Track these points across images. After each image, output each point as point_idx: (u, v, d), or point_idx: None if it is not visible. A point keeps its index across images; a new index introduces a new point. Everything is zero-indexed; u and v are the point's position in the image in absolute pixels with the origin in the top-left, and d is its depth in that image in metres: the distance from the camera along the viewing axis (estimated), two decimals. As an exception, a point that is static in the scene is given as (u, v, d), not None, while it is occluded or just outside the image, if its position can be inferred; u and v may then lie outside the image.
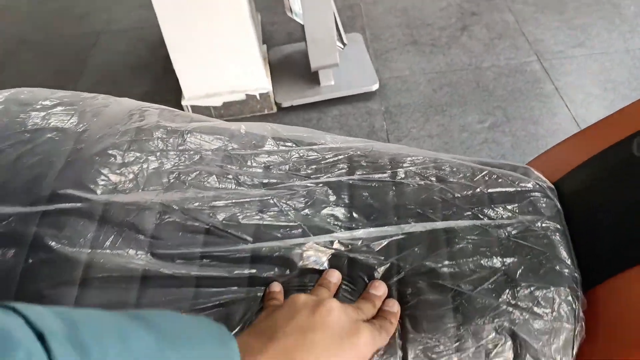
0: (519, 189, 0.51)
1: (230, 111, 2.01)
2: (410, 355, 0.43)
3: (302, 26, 1.79)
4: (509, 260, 0.46)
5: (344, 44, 1.91)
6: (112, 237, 0.45)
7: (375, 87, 1.96)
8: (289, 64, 2.13)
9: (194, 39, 1.79)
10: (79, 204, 0.44)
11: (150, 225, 0.47)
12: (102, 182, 0.47)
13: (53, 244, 0.42)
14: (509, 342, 0.44)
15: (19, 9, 2.86)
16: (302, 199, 0.52)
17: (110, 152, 0.49)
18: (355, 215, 0.51)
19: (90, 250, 0.43)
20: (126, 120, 0.53)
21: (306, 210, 0.51)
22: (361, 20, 2.44)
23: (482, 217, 0.49)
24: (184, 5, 1.70)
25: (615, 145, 0.48)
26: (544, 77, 2.04)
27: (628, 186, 0.45)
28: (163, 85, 2.20)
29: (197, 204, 0.49)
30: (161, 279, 0.44)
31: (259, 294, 0.45)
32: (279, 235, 0.48)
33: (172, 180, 0.50)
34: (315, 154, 0.56)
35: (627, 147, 0.47)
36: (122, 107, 0.55)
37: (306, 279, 0.47)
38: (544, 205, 0.50)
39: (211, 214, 0.48)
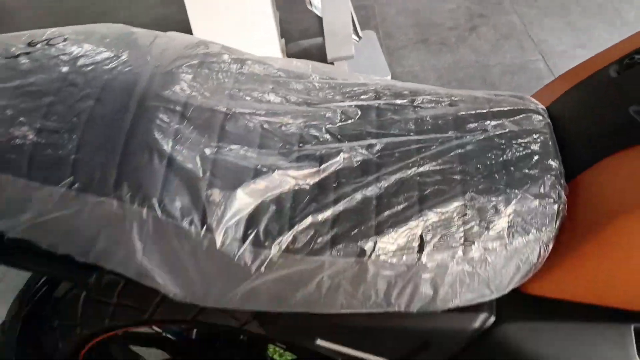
0: (516, 108, 0.62)
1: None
2: (427, 227, 0.54)
3: (319, 20, 1.92)
4: (507, 156, 0.57)
5: (359, 37, 2.03)
6: (191, 128, 0.56)
7: (388, 79, 2.08)
8: (306, 57, 2.25)
9: (221, 33, 1.92)
10: (164, 103, 0.56)
11: (217, 124, 0.58)
12: (179, 90, 0.58)
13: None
14: (505, 217, 0.55)
15: (39, 7, 3.00)
16: (338, 115, 0.63)
17: (184, 68, 0.61)
18: (381, 130, 0.62)
19: (173, 138, 0.55)
20: (195, 47, 0.64)
21: (340, 123, 0.62)
22: (375, 19, 2.57)
23: (486, 127, 0.60)
24: (214, 3, 1.83)
25: (594, 73, 0.60)
26: (548, 74, 2.15)
27: (601, 98, 0.56)
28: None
29: (252, 111, 0.60)
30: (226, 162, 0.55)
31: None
32: (320, 140, 0.60)
33: (233, 93, 0.61)
34: (349, 86, 0.67)
35: (604, 72, 0.58)
36: (189, 38, 0.67)
37: (342, 178, 0.58)
38: (536, 119, 0.61)
39: (265, 122, 0.60)
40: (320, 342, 0.64)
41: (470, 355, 0.62)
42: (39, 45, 0.63)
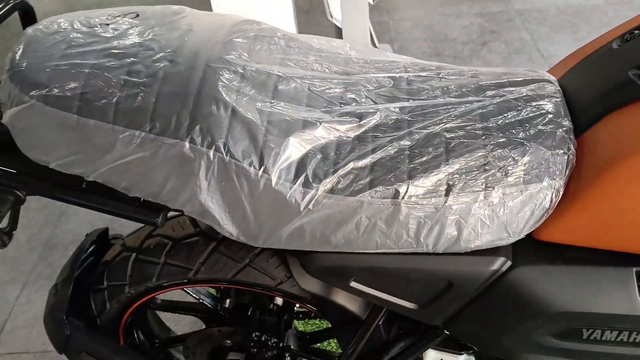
0: (531, 78, 0.71)
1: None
2: (453, 174, 0.62)
3: (338, 31, 2.03)
4: (523, 115, 0.66)
5: (376, 47, 2.14)
6: (249, 86, 0.65)
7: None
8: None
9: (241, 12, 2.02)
10: (226, 65, 0.65)
11: (271, 84, 0.67)
12: (238, 55, 0.68)
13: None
14: (521, 166, 0.63)
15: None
16: (373, 83, 0.72)
17: (242, 39, 0.70)
18: (411, 96, 0.71)
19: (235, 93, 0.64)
20: (249, 24, 0.74)
21: (375, 90, 0.71)
22: (390, 34, 2.69)
23: (504, 92, 0.68)
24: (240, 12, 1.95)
25: (599, 47, 0.68)
26: (557, 86, 2.24)
27: (604, 66, 0.64)
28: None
29: (300, 75, 0.69)
30: (279, 115, 0.64)
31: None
32: (359, 101, 0.69)
33: (283, 61, 0.70)
34: (381, 61, 0.77)
35: (608, 46, 0.67)
36: (243, 18, 0.76)
37: (378, 133, 0.66)
38: (548, 86, 0.69)
39: (311, 85, 0.69)
40: (354, 283, 0.71)
41: (488, 298, 0.70)
42: (116, 19, 0.73)
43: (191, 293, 1.05)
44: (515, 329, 0.70)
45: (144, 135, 0.61)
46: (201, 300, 1.05)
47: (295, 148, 0.63)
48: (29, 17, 0.80)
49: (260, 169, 0.62)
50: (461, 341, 0.80)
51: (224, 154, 0.61)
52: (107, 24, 0.71)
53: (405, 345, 0.85)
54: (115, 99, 0.62)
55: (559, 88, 0.70)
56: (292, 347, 0.97)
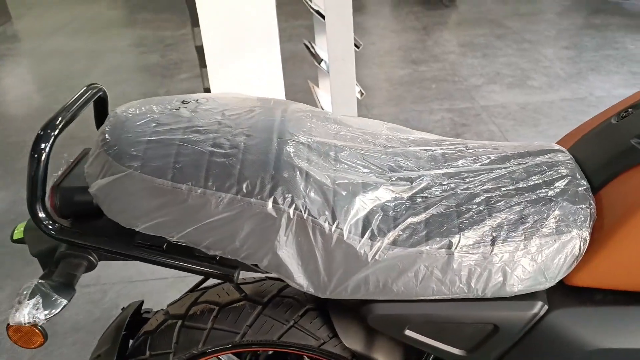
0: (545, 149, 0.84)
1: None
2: (496, 227, 0.73)
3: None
4: (546, 177, 0.78)
5: (362, 93, 2.29)
6: (316, 154, 0.75)
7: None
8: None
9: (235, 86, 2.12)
10: (296, 138, 0.76)
11: (332, 153, 0.78)
12: (303, 130, 0.79)
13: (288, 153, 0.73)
14: (553, 219, 0.74)
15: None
16: (415, 154, 0.84)
17: (303, 118, 0.82)
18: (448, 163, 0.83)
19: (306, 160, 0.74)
20: (303, 107, 0.86)
21: (418, 160, 0.83)
22: (371, 127, 2.90)
23: (526, 160, 0.82)
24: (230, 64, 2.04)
25: (600, 123, 0.83)
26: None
27: (608, 138, 0.79)
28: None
29: (353, 145, 0.81)
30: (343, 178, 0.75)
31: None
32: (406, 168, 0.80)
33: (336, 135, 0.82)
34: (413, 138, 0.90)
35: (607, 121, 0.82)
36: (293, 102, 0.89)
37: (427, 194, 0.77)
38: (561, 155, 0.83)
39: (364, 155, 0.80)
40: (408, 331, 0.78)
41: (529, 340, 0.78)
42: (190, 103, 0.84)
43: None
44: (556, 368, 0.78)
45: (232, 196, 0.70)
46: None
47: (360, 206, 0.73)
48: (103, 103, 0.90)
49: (333, 224, 0.71)
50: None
51: (303, 211, 0.70)
52: (185, 107, 0.82)
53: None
54: (205, 166, 0.72)
55: (571, 156, 0.83)
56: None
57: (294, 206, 0.70)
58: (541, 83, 3.37)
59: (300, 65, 3.84)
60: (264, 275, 1.06)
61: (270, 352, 1.09)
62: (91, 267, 0.83)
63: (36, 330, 0.83)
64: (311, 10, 2.31)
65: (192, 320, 0.98)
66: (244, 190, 0.71)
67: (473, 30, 4.49)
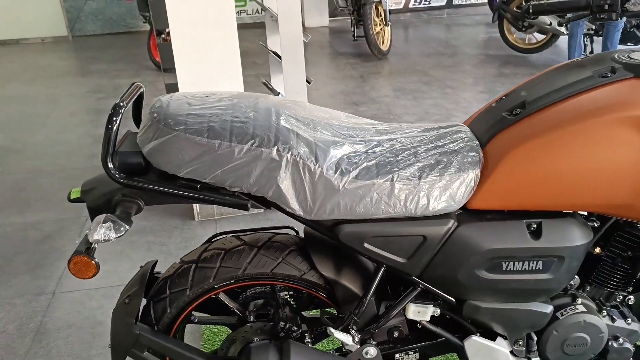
0: (453, 124, 1.26)
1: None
2: (421, 168, 1.13)
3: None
4: (452, 138, 1.19)
5: None
6: (301, 124, 1.12)
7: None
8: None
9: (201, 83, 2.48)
10: (287, 115, 1.14)
11: (311, 122, 1.15)
12: (293, 111, 1.16)
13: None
14: (456, 163, 1.13)
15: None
16: (367, 128, 1.24)
17: (290, 104, 1.20)
18: (389, 135, 1.23)
19: (295, 123, 1.11)
20: (288, 100, 1.24)
21: (369, 132, 1.23)
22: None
23: (441, 129, 1.23)
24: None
25: (489, 106, 1.26)
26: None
27: (490, 113, 1.22)
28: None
29: (327, 121, 1.19)
30: (321, 138, 1.12)
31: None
32: (363, 136, 1.19)
33: (314, 114, 1.20)
34: (367, 121, 1.29)
35: (490, 105, 1.25)
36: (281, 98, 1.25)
37: (376, 149, 1.16)
38: (463, 128, 1.24)
39: (333, 125, 1.19)
40: (367, 245, 1.15)
41: (446, 248, 1.16)
42: (211, 96, 1.20)
43: (225, 301, 1.37)
44: (463, 266, 1.16)
45: (248, 147, 1.06)
46: (232, 309, 1.38)
47: (333, 153, 1.10)
48: (140, 99, 1.24)
49: (317, 164, 1.08)
50: (431, 290, 1.22)
51: (296, 156, 1.07)
52: (207, 97, 1.18)
53: (393, 303, 1.26)
54: (229, 129, 1.07)
55: (468, 128, 1.26)
56: (305, 327, 1.33)
57: (290, 153, 1.07)
58: (462, 119, 3.93)
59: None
60: (257, 228, 1.40)
61: (260, 300, 1.41)
62: (139, 210, 1.15)
63: (92, 263, 1.13)
64: (269, 52, 2.73)
65: (204, 262, 1.30)
66: (257, 143, 1.07)
67: (404, 78, 5.11)
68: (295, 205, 1.10)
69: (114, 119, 1.06)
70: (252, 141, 1.07)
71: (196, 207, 2.77)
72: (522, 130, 1.15)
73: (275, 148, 1.07)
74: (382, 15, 5.77)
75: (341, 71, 5.47)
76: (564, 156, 1.10)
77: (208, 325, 2.04)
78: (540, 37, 5.63)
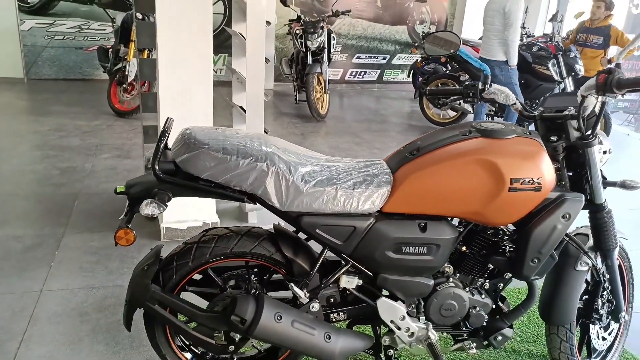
0: (374, 160, 1.94)
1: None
2: (350, 186, 1.79)
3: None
4: (372, 169, 1.86)
5: None
6: (280, 151, 1.76)
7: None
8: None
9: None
10: (274, 153, 1.77)
11: (289, 151, 1.79)
12: (275, 144, 1.80)
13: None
14: (374, 182, 1.81)
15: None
16: (321, 159, 1.89)
17: (273, 139, 1.83)
18: (330, 163, 1.89)
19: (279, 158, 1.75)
20: (275, 138, 1.86)
21: (321, 161, 1.88)
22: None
23: (364, 163, 1.90)
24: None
25: (398, 150, 1.96)
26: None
27: (398, 154, 1.92)
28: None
29: (296, 153, 1.84)
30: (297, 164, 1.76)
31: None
32: (316, 162, 1.85)
33: (291, 148, 1.84)
34: (319, 154, 1.95)
35: (400, 149, 1.95)
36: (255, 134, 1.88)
37: (324, 170, 1.81)
38: (381, 162, 1.93)
39: (301, 155, 1.83)
40: (318, 231, 1.77)
41: (367, 236, 1.80)
42: (222, 129, 1.83)
43: (212, 275, 1.93)
44: (378, 249, 1.81)
45: (248, 161, 1.68)
46: (217, 281, 1.94)
47: (300, 170, 1.75)
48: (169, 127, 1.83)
49: (290, 175, 1.71)
50: (356, 266, 1.85)
51: (278, 169, 1.70)
52: (218, 129, 1.81)
53: (331, 276, 1.88)
54: (236, 149, 1.70)
55: (384, 162, 1.95)
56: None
57: (274, 166, 1.70)
58: (386, 174, 4.70)
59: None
60: (242, 225, 2.00)
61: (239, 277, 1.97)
62: (169, 199, 1.72)
63: (132, 233, 1.69)
64: (235, 105, 3.39)
65: (203, 243, 1.87)
66: (253, 159, 1.69)
67: (339, 138, 5.91)
68: (275, 200, 1.72)
69: (162, 138, 1.66)
70: (251, 158, 1.70)
71: (163, 229, 3.28)
72: (417, 164, 1.85)
73: (265, 163, 1.70)
74: (322, 84, 6.64)
75: (285, 128, 6.20)
76: (441, 181, 1.80)
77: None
78: (452, 113, 6.69)
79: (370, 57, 9.47)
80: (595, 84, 1.78)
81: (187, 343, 2.03)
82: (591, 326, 2.23)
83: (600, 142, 1.99)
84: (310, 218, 1.77)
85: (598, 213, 2.03)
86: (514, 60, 5.26)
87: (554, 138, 1.96)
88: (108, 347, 2.34)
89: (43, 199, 3.80)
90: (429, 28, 9.57)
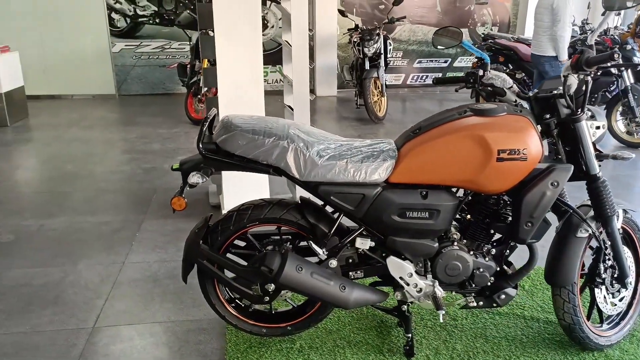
0: (384, 140, 2.26)
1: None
2: (362, 157, 2.13)
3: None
4: (381, 147, 2.19)
5: None
6: (300, 131, 2.14)
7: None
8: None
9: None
10: (296, 133, 2.15)
11: (309, 132, 2.17)
12: (297, 128, 2.18)
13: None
14: (381, 156, 2.13)
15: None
16: (334, 139, 2.25)
17: (296, 121, 2.21)
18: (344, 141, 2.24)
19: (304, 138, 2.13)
20: (297, 121, 2.24)
21: (337, 142, 2.23)
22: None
23: (375, 142, 2.22)
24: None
25: (405, 131, 2.27)
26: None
27: (405, 133, 2.23)
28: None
29: (316, 134, 2.21)
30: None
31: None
32: (330, 142, 2.20)
33: (313, 130, 2.22)
34: (336, 136, 2.31)
35: (407, 130, 2.26)
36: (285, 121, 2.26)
37: (337, 147, 2.16)
38: (390, 142, 2.24)
39: (320, 134, 2.20)
40: (332, 197, 2.13)
41: (376, 202, 2.13)
42: (254, 117, 2.24)
43: (251, 238, 2.33)
44: (385, 213, 2.13)
45: (273, 140, 2.07)
46: (255, 244, 2.35)
47: (317, 147, 2.11)
48: (213, 119, 2.27)
49: (308, 151, 2.08)
50: (368, 229, 2.18)
51: (297, 146, 2.08)
52: (252, 117, 2.22)
53: (346, 237, 2.22)
54: (264, 130, 2.10)
55: (392, 141, 2.27)
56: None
57: (294, 144, 2.08)
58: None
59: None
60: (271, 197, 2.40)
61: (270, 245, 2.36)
62: (212, 173, 2.15)
63: (184, 201, 2.14)
64: (286, 106, 3.83)
65: (242, 210, 2.29)
66: (277, 138, 2.08)
67: (392, 137, 6.19)
68: (295, 172, 2.10)
69: (205, 123, 2.10)
70: (274, 137, 2.09)
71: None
72: (418, 140, 2.16)
73: (286, 141, 2.09)
74: (380, 87, 6.97)
75: (344, 130, 6.59)
76: (438, 154, 2.10)
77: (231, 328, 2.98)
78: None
79: (432, 61, 9.66)
80: (570, 64, 2.01)
81: (232, 296, 2.46)
82: (596, 290, 2.41)
83: (594, 118, 2.20)
84: (325, 187, 2.13)
85: (593, 183, 2.23)
86: (564, 56, 5.31)
87: (547, 116, 2.19)
88: (174, 305, 2.82)
89: (128, 193, 4.43)
90: (491, 29, 9.62)
